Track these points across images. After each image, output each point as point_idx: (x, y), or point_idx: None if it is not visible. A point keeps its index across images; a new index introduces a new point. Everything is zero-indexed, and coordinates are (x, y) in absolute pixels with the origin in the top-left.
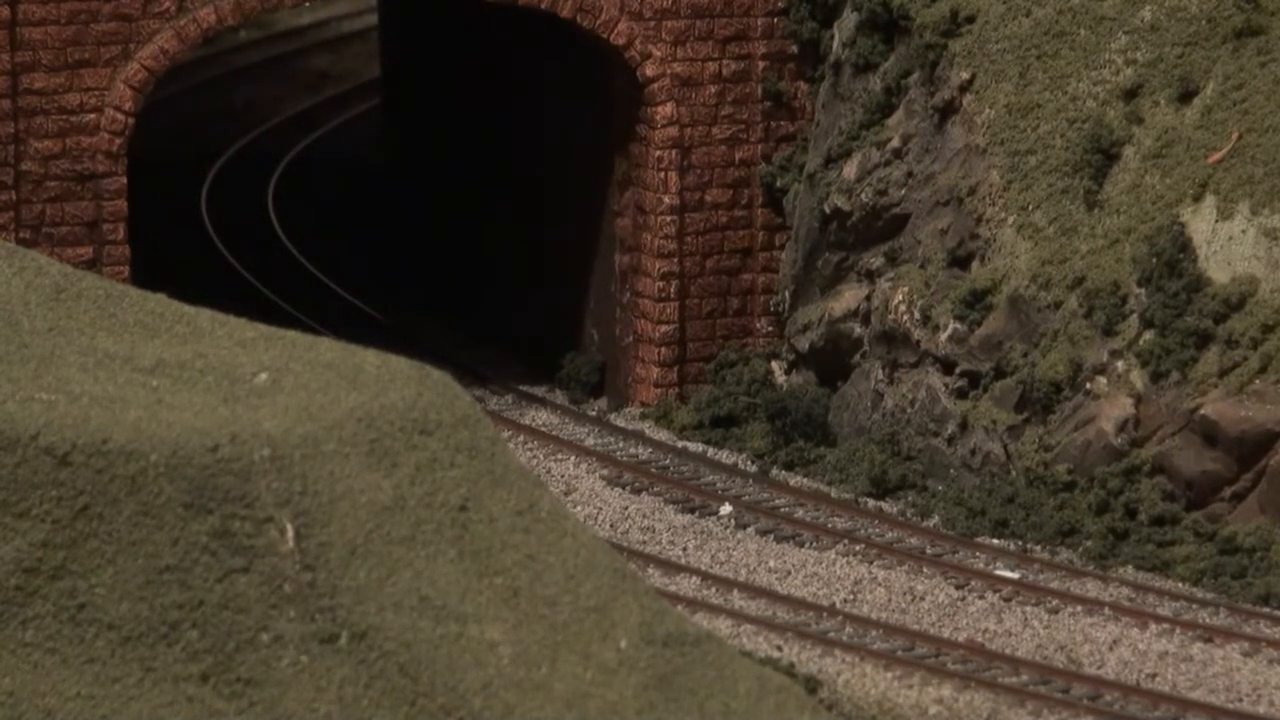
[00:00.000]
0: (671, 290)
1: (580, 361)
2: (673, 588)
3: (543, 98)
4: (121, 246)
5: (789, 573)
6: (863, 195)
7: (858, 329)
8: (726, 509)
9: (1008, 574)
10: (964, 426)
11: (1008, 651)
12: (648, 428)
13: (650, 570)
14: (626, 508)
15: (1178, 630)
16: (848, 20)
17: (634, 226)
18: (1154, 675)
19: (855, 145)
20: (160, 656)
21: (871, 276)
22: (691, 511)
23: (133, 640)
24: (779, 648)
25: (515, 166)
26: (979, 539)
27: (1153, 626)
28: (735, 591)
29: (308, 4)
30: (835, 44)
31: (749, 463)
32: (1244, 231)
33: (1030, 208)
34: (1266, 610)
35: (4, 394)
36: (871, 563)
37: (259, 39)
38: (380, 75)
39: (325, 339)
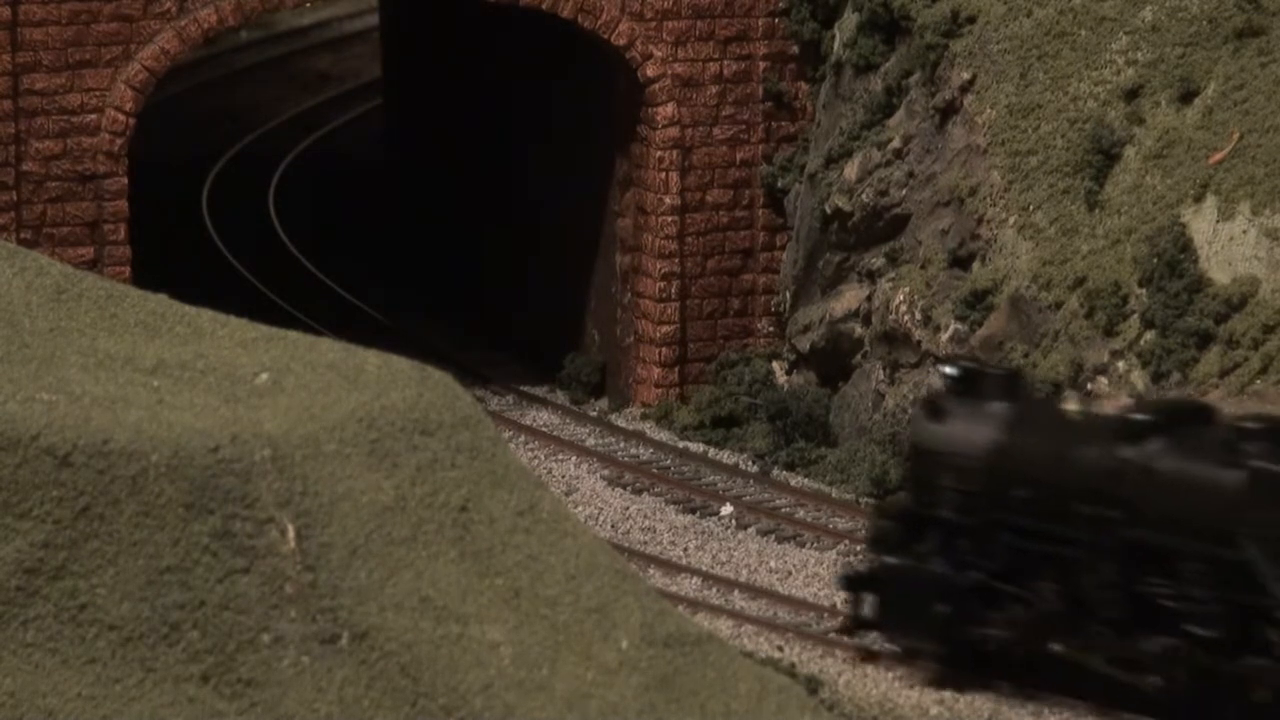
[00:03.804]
0: (672, 291)
1: (581, 362)
2: (674, 588)
3: (544, 98)
4: (123, 247)
5: (790, 573)
6: (864, 195)
7: (859, 329)
8: (727, 509)
9: None
10: None
11: None
12: (649, 428)
13: (651, 571)
14: (627, 508)
15: None
16: (849, 21)
17: (635, 227)
18: None
19: (856, 146)
20: (161, 657)
21: (872, 277)
22: (692, 512)
23: (134, 641)
24: (780, 648)
25: (516, 166)
26: None
27: None
28: (736, 592)
29: (309, 4)
30: (836, 44)
31: (750, 463)
32: (1245, 232)
33: (1031, 208)
34: None
35: (5, 394)
36: None
37: (260, 39)
38: (381, 76)
39: (326, 339)
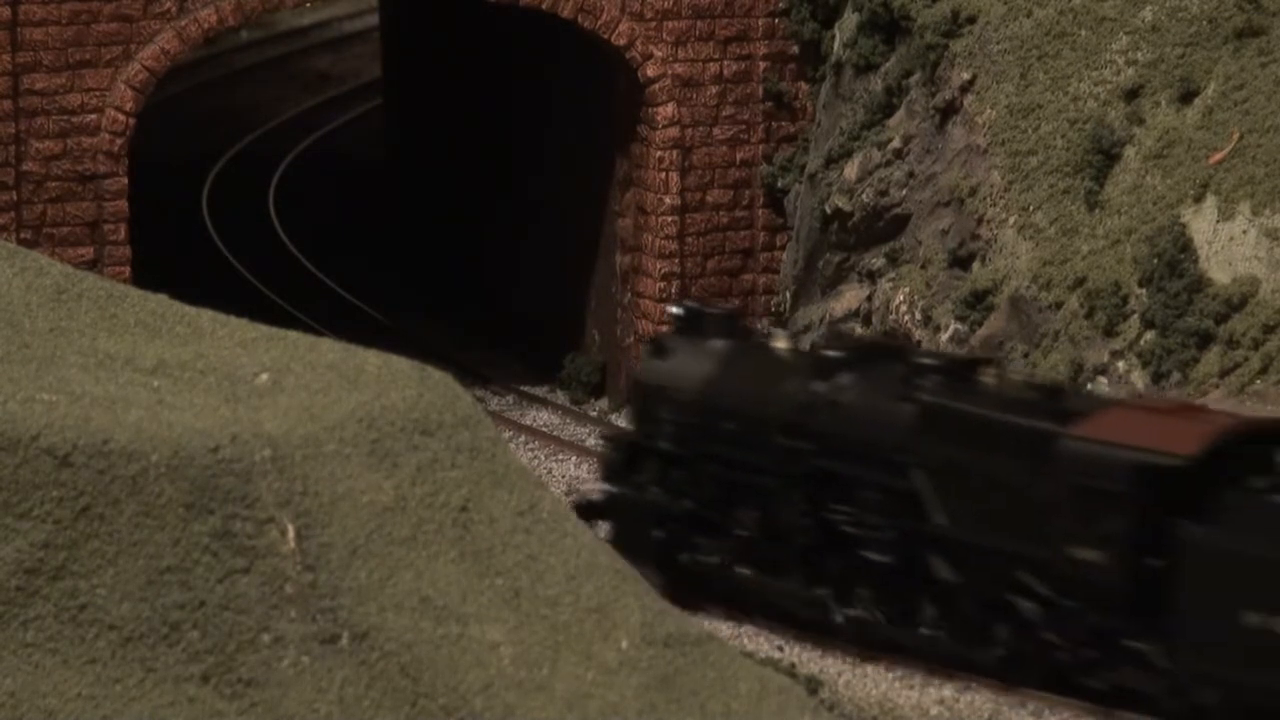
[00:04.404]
0: (672, 291)
1: (581, 362)
2: None
3: (544, 98)
4: (123, 247)
5: None
6: (864, 196)
7: (859, 329)
8: None
9: None
10: None
11: None
12: None
13: None
14: None
15: None
16: (849, 21)
17: (635, 227)
18: None
19: (856, 146)
20: (161, 657)
21: (873, 277)
22: None
23: (134, 641)
24: (780, 648)
25: (516, 167)
26: None
27: None
28: None
29: (309, 4)
30: (836, 44)
31: None
32: (1245, 232)
33: (1031, 208)
34: None
35: (5, 394)
36: None
37: (260, 39)
38: (381, 76)
39: (326, 339)
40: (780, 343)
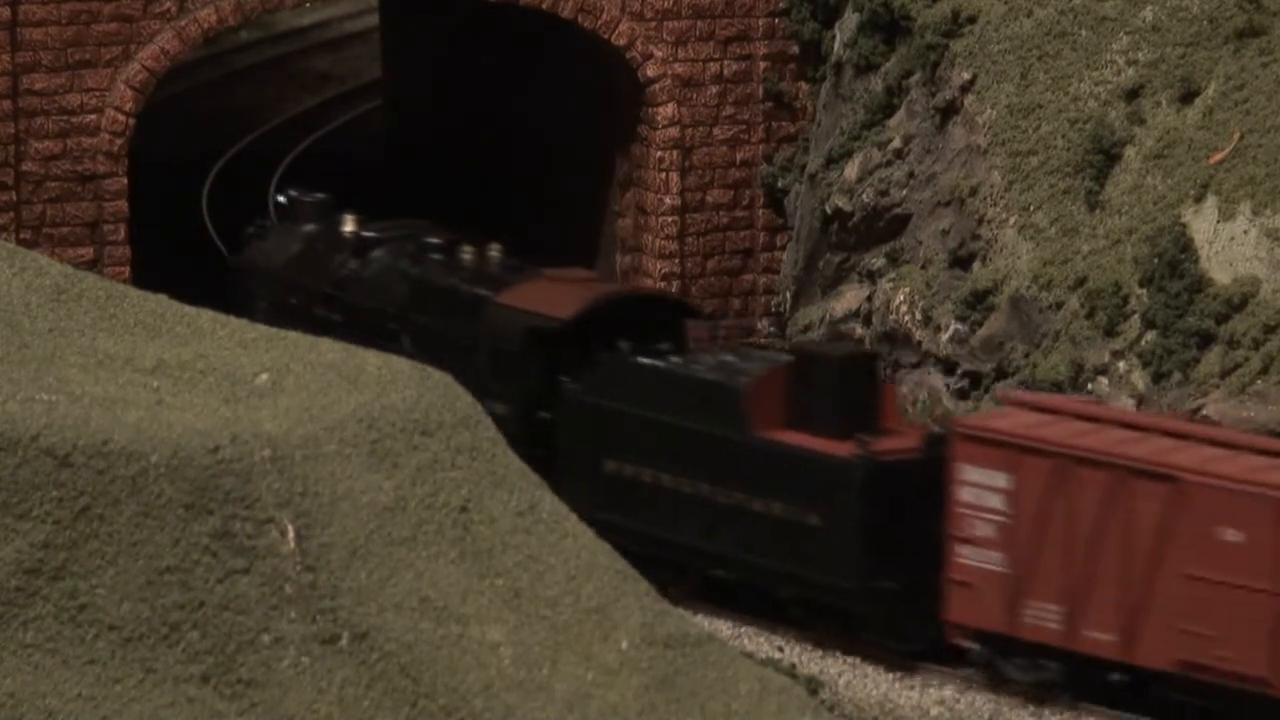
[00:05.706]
0: (672, 291)
1: None
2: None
3: (544, 98)
4: (122, 247)
5: None
6: (864, 196)
7: (859, 329)
8: None
9: None
10: None
11: None
12: None
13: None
14: None
15: None
16: (849, 21)
17: (635, 227)
18: None
19: (856, 146)
20: (161, 657)
21: (873, 277)
22: None
23: (134, 641)
24: (780, 649)
25: (516, 167)
26: None
27: None
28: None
29: (309, 4)
30: (836, 44)
31: None
32: (1245, 232)
33: (1031, 208)
34: None
35: (5, 394)
36: None
37: (260, 39)
38: (381, 76)
39: (326, 339)
40: (348, 226)
